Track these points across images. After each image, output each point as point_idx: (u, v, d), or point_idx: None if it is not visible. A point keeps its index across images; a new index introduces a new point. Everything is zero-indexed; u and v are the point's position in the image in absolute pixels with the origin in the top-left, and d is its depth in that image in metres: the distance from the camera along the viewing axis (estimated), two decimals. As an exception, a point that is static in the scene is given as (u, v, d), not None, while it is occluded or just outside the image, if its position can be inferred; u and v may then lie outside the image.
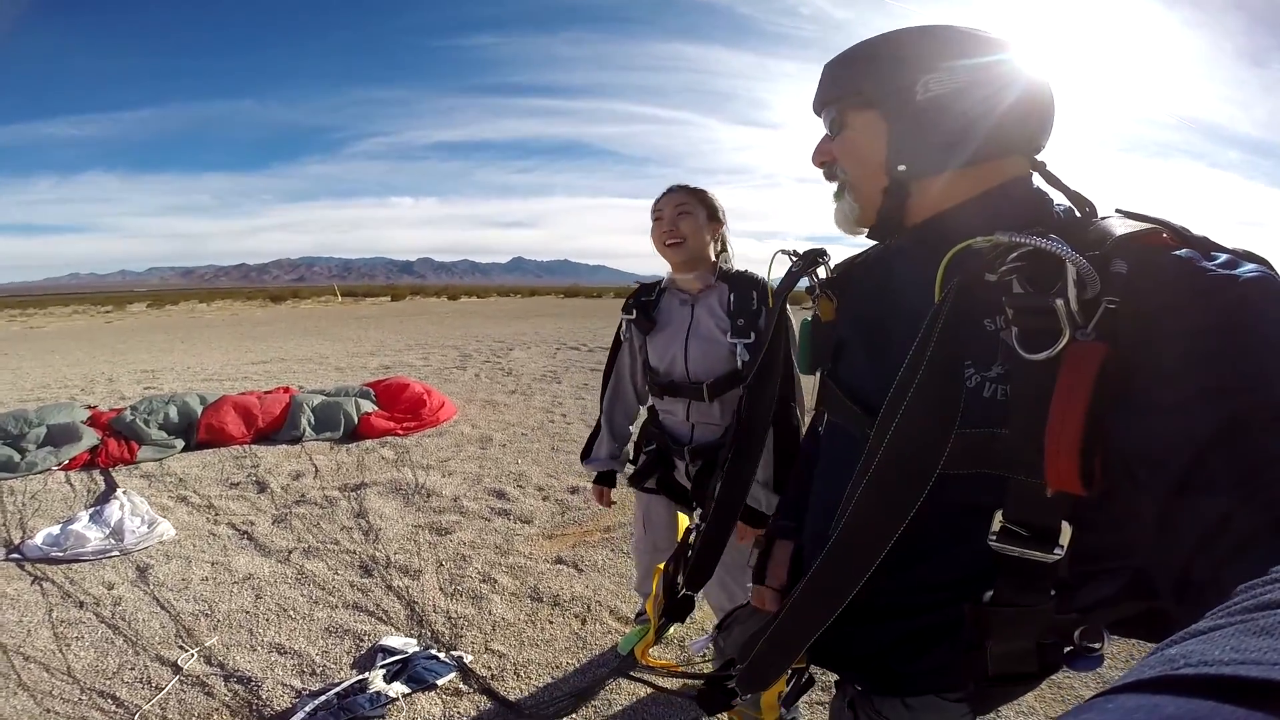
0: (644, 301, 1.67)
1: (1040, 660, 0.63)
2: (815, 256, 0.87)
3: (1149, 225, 0.54)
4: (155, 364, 8.40)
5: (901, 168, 0.68)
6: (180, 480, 3.72)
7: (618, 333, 1.74)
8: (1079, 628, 0.61)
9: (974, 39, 0.65)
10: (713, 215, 1.58)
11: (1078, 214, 0.63)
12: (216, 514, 3.24)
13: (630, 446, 1.86)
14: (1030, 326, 0.54)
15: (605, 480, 1.87)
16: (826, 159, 0.75)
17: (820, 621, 0.67)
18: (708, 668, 1.29)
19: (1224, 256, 0.49)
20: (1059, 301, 0.51)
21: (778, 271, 0.92)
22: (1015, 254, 0.55)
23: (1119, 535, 0.58)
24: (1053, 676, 0.70)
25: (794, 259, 0.89)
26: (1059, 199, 0.66)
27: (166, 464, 4.00)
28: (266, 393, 5.15)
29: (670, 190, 1.59)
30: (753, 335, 1.50)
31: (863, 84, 0.68)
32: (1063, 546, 0.55)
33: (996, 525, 0.57)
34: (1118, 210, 0.59)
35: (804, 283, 0.90)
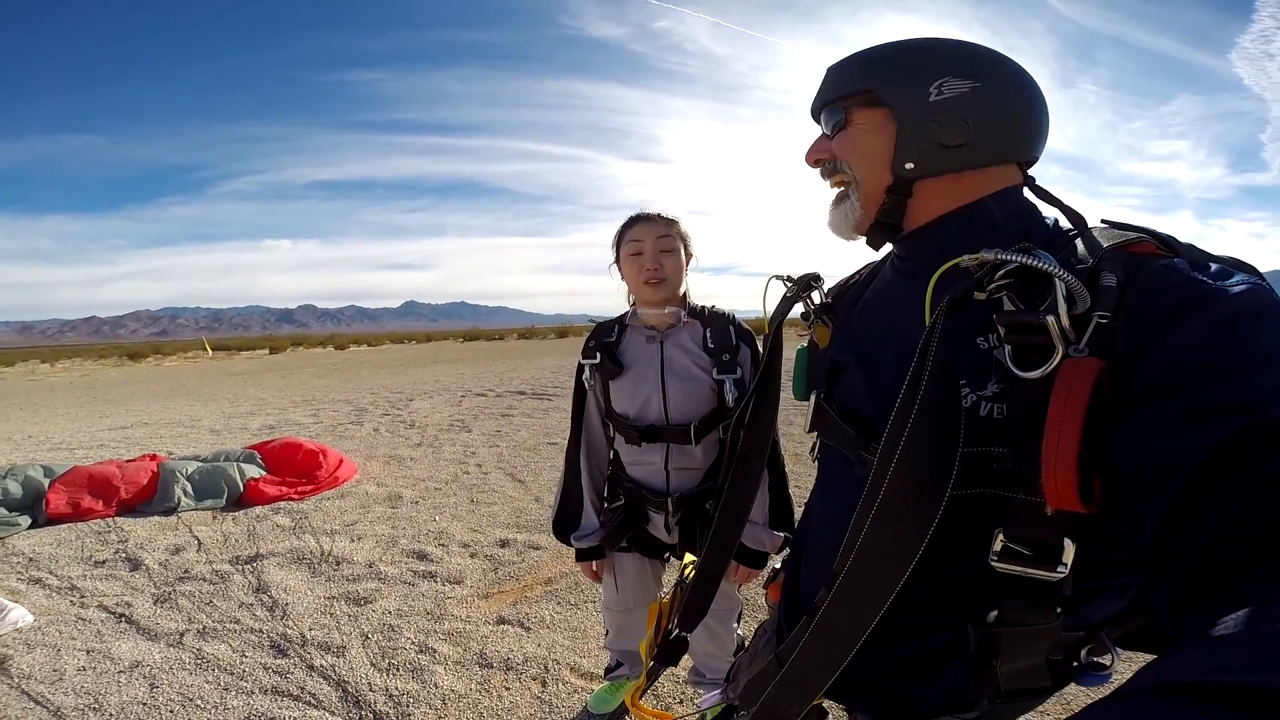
0: (606, 343, 1.52)
1: (1053, 673, 0.62)
2: (810, 281, 0.87)
3: (1136, 235, 0.55)
4: (-14, 433, 7.24)
5: (909, 165, 0.68)
6: (31, 560, 3.23)
7: (579, 380, 1.58)
8: (1086, 645, 0.62)
9: (983, 50, 0.67)
10: (687, 249, 1.50)
11: (1065, 226, 0.64)
12: (83, 596, 2.85)
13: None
14: (1022, 344, 0.53)
15: (594, 554, 1.61)
16: (824, 157, 0.75)
17: (839, 658, 0.63)
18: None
19: (1215, 267, 0.50)
20: (1049, 318, 0.50)
21: (772, 297, 0.91)
22: (1003, 271, 0.55)
23: (1123, 551, 0.58)
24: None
25: (788, 284, 0.88)
26: (1048, 211, 0.67)
27: (10, 543, 3.47)
28: (128, 461, 4.60)
29: (645, 219, 1.47)
30: (739, 370, 1.46)
31: (874, 82, 0.69)
32: (1066, 564, 0.53)
33: (998, 545, 0.56)
34: (1103, 220, 0.60)
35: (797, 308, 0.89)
